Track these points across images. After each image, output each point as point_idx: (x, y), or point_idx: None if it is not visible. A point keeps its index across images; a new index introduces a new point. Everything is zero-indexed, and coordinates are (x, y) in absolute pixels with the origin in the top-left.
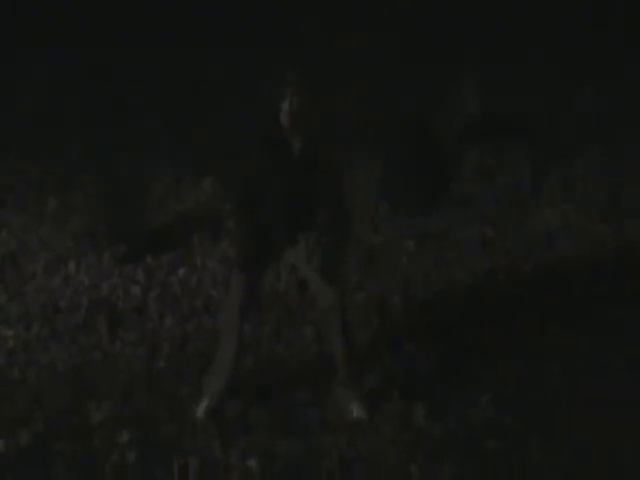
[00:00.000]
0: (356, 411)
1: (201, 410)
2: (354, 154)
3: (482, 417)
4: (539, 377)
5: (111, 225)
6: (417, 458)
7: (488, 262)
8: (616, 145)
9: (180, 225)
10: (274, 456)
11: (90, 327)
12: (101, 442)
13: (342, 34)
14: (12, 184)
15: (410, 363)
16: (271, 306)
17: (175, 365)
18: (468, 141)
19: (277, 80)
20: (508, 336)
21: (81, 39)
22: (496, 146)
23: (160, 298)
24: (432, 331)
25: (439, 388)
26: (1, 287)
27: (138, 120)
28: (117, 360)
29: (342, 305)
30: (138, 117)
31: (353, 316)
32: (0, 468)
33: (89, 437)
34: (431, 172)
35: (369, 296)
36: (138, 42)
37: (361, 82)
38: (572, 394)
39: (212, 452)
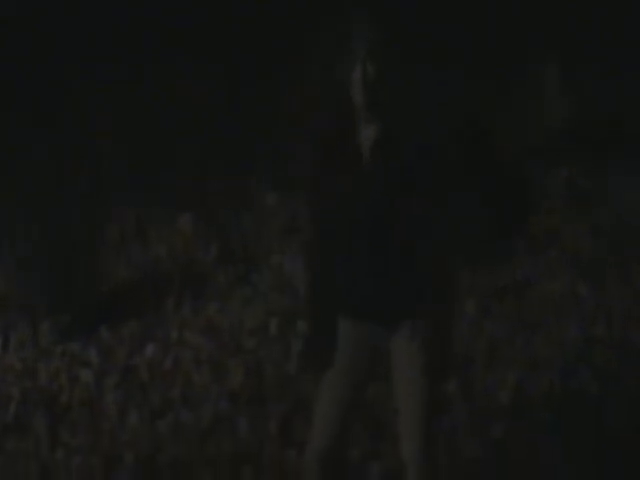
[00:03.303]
0: None
1: None
2: None
3: None
4: None
5: (49, 284)
6: None
7: (581, 332)
8: None
9: (147, 283)
10: None
11: (23, 428)
12: None
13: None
14: None
15: None
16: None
17: None
18: (551, 159)
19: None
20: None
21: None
22: (592, 164)
23: (120, 387)
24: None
25: None
26: None
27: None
28: (60, 474)
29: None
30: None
31: None
32: None
33: None
34: (499, 203)
35: None
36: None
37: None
38: None
39: None
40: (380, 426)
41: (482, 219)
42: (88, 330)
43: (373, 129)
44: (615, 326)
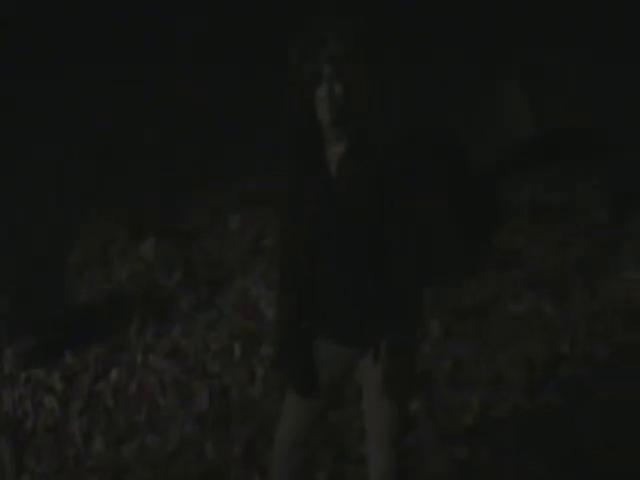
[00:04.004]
0: None
1: None
2: None
3: None
4: None
5: (13, 310)
6: None
7: (545, 351)
8: None
9: (111, 308)
10: None
11: None
12: None
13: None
14: None
15: None
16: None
17: None
18: (517, 173)
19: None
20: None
21: None
22: (558, 179)
23: (85, 412)
24: (467, 449)
25: None
26: None
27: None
28: None
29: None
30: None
31: None
32: None
33: None
34: (463, 219)
35: None
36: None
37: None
38: None
39: None
40: (345, 448)
41: (453, 234)
42: (52, 356)
43: (339, 147)
44: (580, 343)
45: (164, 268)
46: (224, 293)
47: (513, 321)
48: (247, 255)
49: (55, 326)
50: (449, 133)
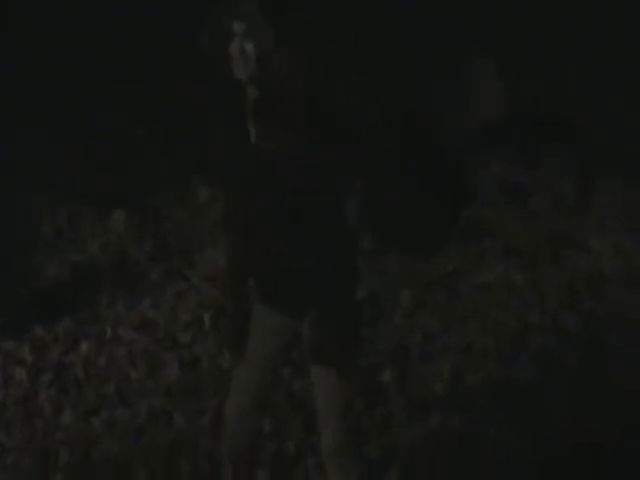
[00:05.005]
0: None
1: None
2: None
3: None
4: None
5: None
6: None
7: (515, 318)
8: None
9: (81, 280)
10: None
11: None
12: None
13: None
14: None
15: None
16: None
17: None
18: (487, 150)
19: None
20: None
21: None
22: (526, 155)
23: (55, 384)
24: (438, 418)
25: None
26: None
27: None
28: None
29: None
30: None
31: None
32: None
33: None
34: (435, 193)
35: None
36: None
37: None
38: None
39: None
40: (315, 417)
41: (423, 209)
42: (22, 328)
43: (253, 103)
44: (549, 312)
45: (134, 240)
46: (194, 264)
47: (483, 291)
48: (216, 226)
49: (24, 299)
50: (422, 114)
